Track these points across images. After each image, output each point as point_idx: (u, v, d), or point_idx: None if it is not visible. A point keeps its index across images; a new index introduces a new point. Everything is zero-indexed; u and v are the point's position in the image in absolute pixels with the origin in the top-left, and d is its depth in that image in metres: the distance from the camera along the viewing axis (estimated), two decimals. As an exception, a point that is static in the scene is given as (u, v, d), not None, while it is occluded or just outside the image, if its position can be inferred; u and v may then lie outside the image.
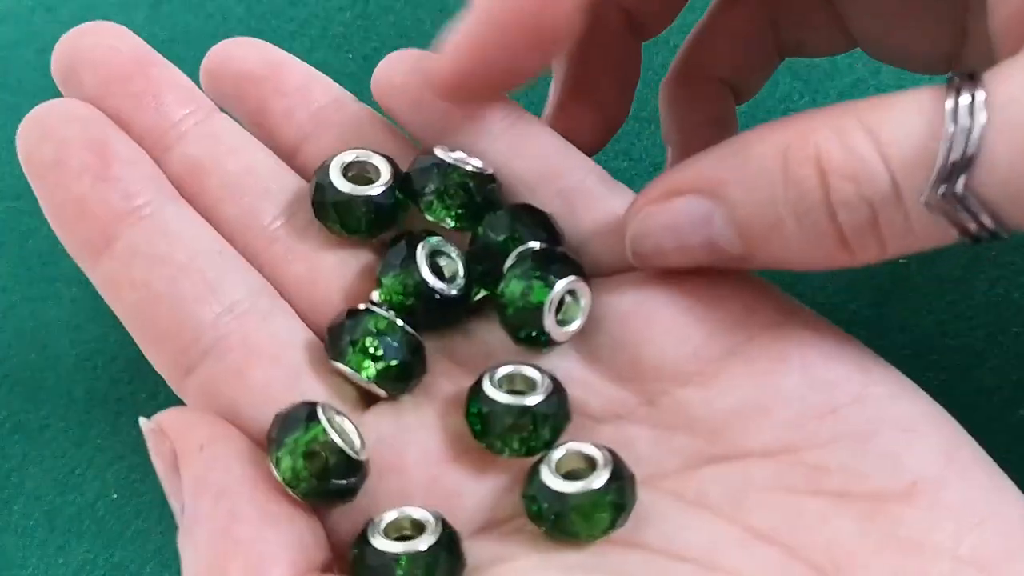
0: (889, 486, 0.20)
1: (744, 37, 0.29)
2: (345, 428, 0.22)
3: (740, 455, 0.22)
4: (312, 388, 0.23)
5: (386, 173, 0.25)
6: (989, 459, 0.21)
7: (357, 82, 0.27)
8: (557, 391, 0.23)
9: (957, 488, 0.20)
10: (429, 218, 0.24)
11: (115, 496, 0.32)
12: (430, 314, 0.24)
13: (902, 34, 0.27)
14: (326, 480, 0.21)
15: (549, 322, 0.23)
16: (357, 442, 0.22)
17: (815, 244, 0.21)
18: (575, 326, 0.23)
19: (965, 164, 0.19)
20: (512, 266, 0.23)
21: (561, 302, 0.23)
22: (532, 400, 0.22)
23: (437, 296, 0.24)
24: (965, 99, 0.19)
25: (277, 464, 0.21)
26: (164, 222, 0.24)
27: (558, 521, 0.21)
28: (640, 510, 0.22)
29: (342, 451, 0.21)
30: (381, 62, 0.26)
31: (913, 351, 0.31)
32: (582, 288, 0.23)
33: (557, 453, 0.22)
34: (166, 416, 0.23)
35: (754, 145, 0.21)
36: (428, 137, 0.25)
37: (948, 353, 0.30)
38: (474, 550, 0.21)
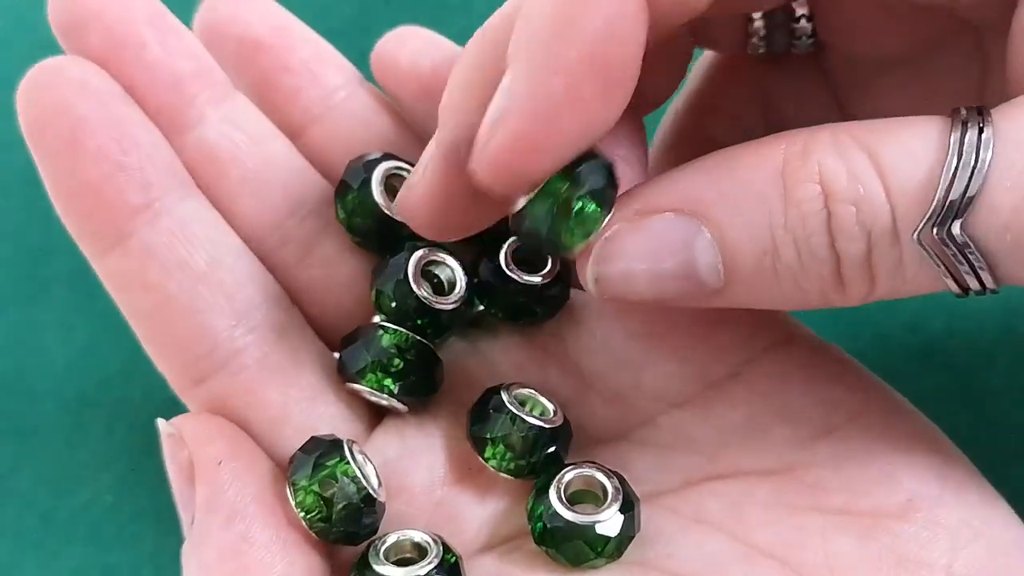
0: (886, 503, 0.21)
1: (736, 109, 0.27)
2: (366, 467, 0.22)
3: (740, 473, 0.22)
4: (326, 409, 0.23)
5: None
6: (982, 478, 0.22)
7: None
8: (565, 424, 0.23)
9: (952, 506, 0.20)
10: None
11: (109, 499, 0.32)
12: (422, 327, 0.24)
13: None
14: (347, 522, 0.21)
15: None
16: (375, 480, 0.22)
17: (807, 276, 0.19)
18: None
19: (965, 204, 0.17)
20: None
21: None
22: (544, 423, 0.22)
23: (429, 309, 0.24)
24: (971, 133, 0.18)
25: (297, 500, 0.21)
26: (182, 221, 0.23)
27: (563, 547, 0.21)
28: (640, 528, 0.22)
29: (368, 494, 0.21)
30: (383, 39, 0.25)
31: (921, 352, 0.31)
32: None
33: (566, 475, 0.22)
34: (186, 422, 0.22)
35: (743, 161, 0.19)
36: (434, 128, 0.25)
37: (956, 354, 0.30)
38: (473, 569, 0.22)
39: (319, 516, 0.21)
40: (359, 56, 0.26)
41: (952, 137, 0.18)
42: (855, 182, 0.18)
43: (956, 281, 0.18)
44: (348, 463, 0.21)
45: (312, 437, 0.22)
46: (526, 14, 0.18)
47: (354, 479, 0.21)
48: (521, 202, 0.19)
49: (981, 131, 0.18)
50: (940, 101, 0.24)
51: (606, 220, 0.20)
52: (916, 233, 0.18)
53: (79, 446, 0.32)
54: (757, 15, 0.24)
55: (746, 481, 0.22)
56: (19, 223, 0.35)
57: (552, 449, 0.22)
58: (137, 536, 0.31)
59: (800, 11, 0.24)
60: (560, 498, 0.21)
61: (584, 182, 0.19)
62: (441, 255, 0.24)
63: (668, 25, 0.19)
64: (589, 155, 0.19)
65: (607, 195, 0.19)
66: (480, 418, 0.23)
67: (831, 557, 0.20)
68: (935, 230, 0.18)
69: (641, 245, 0.19)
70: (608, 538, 0.21)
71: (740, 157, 0.19)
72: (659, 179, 0.20)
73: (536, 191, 0.19)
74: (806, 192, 0.18)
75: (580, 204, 0.19)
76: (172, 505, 0.31)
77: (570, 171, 0.19)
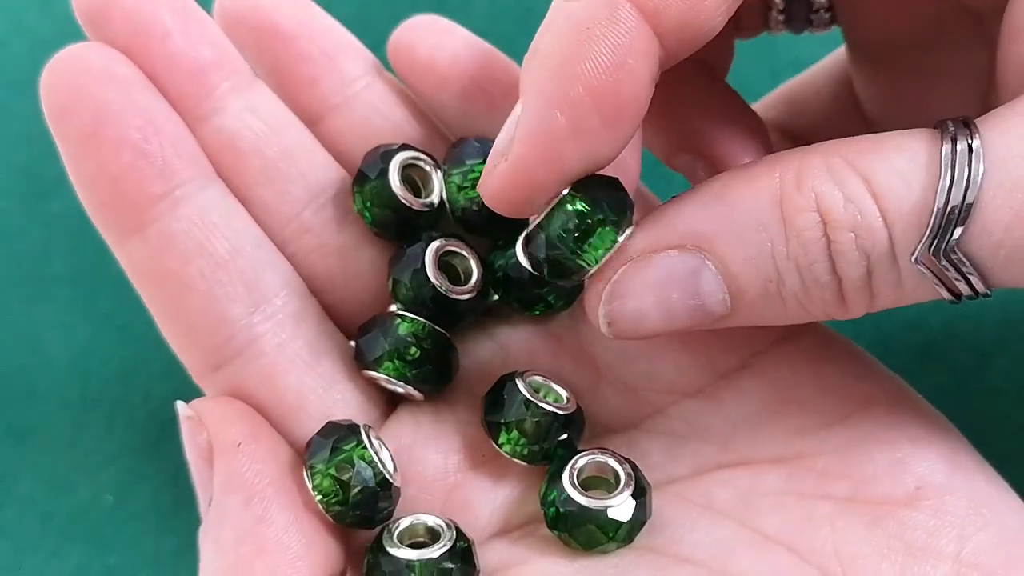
0: (895, 491, 0.21)
1: None
2: (382, 452, 0.22)
3: (750, 461, 0.22)
4: (342, 396, 0.24)
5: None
6: (990, 467, 0.22)
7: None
8: (578, 410, 0.23)
9: (960, 494, 0.21)
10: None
11: (110, 499, 0.32)
12: (438, 316, 0.24)
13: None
14: (363, 506, 0.21)
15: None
16: (391, 465, 0.22)
17: (809, 299, 0.19)
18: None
19: (960, 221, 0.18)
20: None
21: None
22: (557, 409, 0.23)
23: (445, 298, 0.24)
24: (962, 147, 0.18)
25: (315, 483, 0.21)
26: (202, 209, 0.23)
27: (576, 531, 0.21)
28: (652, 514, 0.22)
29: (384, 478, 0.21)
30: (400, 27, 0.25)
31: (921, 351, 0.31)
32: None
33: (579, 461, 0.22)
34: (205, 405, 0.23)
35: (739, 192, 0.19)
36: (451, 118, 0.25)
37: (956, 353, 0.30)
38: (485, 554, 0.22)
39: (336, 499, 0.21)
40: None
41: (943, 153, 0.18)
42: (852, 208, 0.18)
43: (949, 290, 0.19)
44: (365, 447, 0.21)
45: (329, 422, 0.22)
46: (537, 47, 0.19)
47: (371, 463, 0.21)
48: (533, 222, 0.20)
49: (970, 147, 0.18)
50: (948, 81, 0.25)
51: (619, 243, 0.20)
52: (913, 255, 0.18)
53: (79, 446, 0.32)
54: None
55: (756, 469, 0.22)
56: (20, 223, 0.35)
57: (565, 435, 0.23)
58: (137, 536, 0.31)
59: None
60: (573, 483, 0.21)
61: (599, 205, 0.19)
62: (458, 245, 0.24)
63: (684, 51, 0.19)
64: (602, 177, 0.20)
65: (621, 219, 0.20)
66: (495, 404, 0.23)
67: (839, 544, 0.20)
68: (931, 249, 0.18)
69: (649, 283, 0.20)
70: (620, 523, 0.21)
71: (735, 188, 0.20)
72: (659, 215, 0.20)
73: (547, 212, 0.20)
74: (806, 221, 0.19)
75: (595, 227, 0.19)
76: (172, 505, 0.31)
77: (585, 193, 0.19)
